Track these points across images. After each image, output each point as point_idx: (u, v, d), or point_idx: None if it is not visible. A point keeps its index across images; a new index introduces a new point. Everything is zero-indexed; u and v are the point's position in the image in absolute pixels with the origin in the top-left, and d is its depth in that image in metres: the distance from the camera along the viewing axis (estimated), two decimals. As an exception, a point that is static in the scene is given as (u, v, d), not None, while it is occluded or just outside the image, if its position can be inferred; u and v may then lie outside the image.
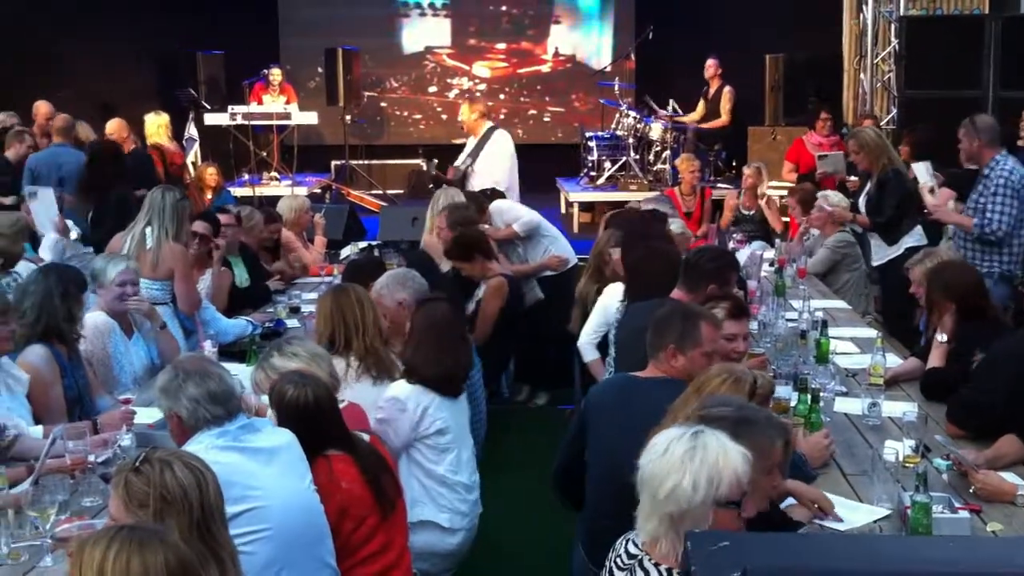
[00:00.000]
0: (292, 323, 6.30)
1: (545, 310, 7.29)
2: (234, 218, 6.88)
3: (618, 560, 2.77)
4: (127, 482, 2.48)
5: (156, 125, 10.50)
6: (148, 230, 5.68)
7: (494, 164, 8.98)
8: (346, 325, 4.52)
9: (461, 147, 14.48)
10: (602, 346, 5.72)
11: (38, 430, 4.24)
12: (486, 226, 7.27)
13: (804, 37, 12.93)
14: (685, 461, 2.55)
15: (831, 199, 7.73)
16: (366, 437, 3.75)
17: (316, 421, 3.50)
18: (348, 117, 13.62)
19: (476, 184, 8.73)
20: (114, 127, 9.63)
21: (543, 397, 7.47)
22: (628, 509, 2.71)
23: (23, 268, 6.13)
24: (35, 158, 8.62)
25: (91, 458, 3.80)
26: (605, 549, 3.55)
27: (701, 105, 12.50)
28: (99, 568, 2.03)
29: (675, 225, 6.66)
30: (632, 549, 2.74)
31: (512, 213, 7.53)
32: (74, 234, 7.35)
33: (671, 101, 12.63)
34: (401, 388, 4.29)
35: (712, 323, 3.89)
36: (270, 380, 3.78)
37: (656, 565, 2.61)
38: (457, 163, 9.25)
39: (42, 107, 9.76)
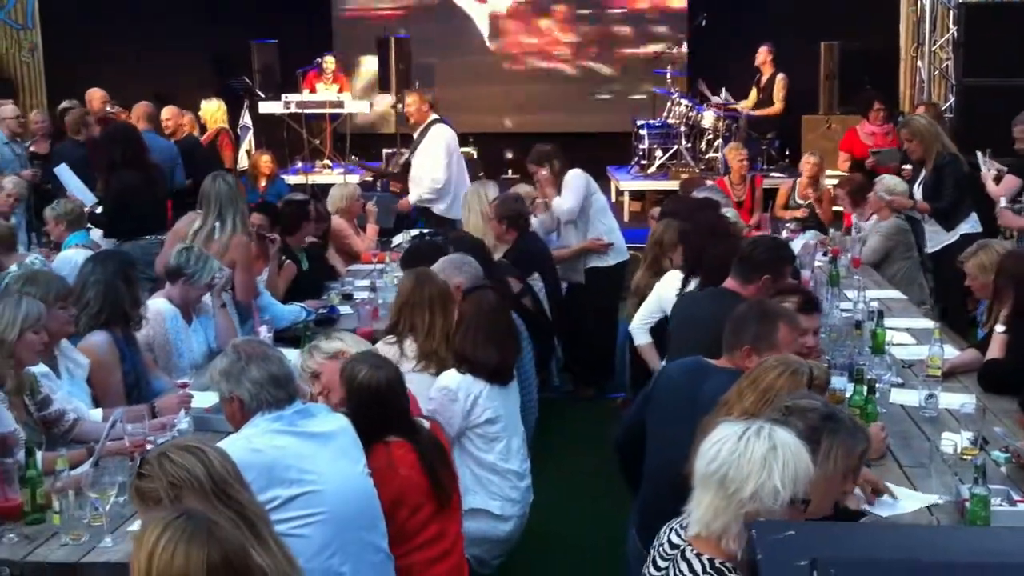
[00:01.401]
0: (345, 310, 6.35)
1: (590, 300, 7.28)
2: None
3: (661, 550, 2.76)
4: (138, 490, 2.58)
5: (218, 110, 10.61)
6: (219, 224, 5.78)
7: (429, 160, 8.60)
8: (412, 320, 4.54)
9: (510, 136, 14.63)
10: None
11: (97, 413, 4.33)
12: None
13: (859, 24, 12.76)
14: (769, 461, 2.50)
15: (888, 184, 7.64)
16: (427, 424, 3.77)
17: (384, 406, 3.53)
18: (399, 105, 13.65)
19: (412, 178, 8.60)
20: (168, 114, 9.75)
21: (589, 388, 7.46)
22: (686, 496, 2.70)
23: (78, 255, 6.23)
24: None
25: (150, 441, 3.86)
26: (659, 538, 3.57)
27: (753, 93, 12.39)
28: (149, 553, 2.11)
29: (728, 214, 6.61)
30: (675, 539, 2.72)
31: (564, 192, 7.30)
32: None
33: (723, 89, 12.52)
34: (451, 378, 4.30)
35: (790, 324, 3.82)
36: (317, 360, 3.83)
37: (698, 555, 2.60)
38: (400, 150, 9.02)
39: (96, 94, 9.89)
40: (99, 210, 7.43)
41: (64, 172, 7.85)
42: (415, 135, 8.87)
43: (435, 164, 8.53)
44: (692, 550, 2.62)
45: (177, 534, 2.10)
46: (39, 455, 3.59)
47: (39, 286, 4.28)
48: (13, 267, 5.91)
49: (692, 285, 5.41)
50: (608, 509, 5.12)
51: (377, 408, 3.54)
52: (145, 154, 7.44)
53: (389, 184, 12.98)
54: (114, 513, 3.43)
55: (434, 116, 8.92)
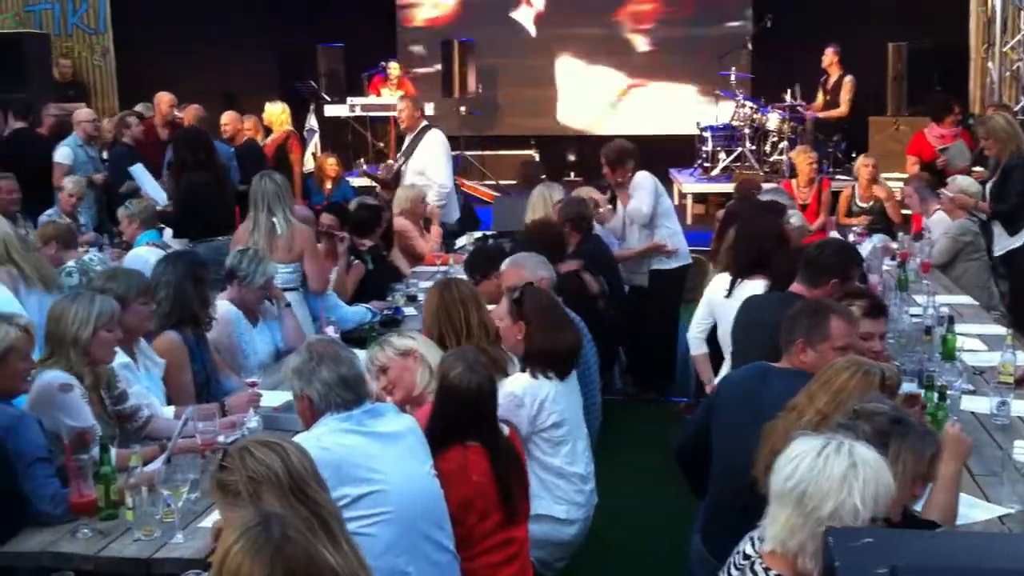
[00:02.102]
0: (409, 311, 6.40)
1: (653, 303, 7.25)
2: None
3: (736, 558, 2.73)
4: (219, 482, 2.61)
5: (282, 113, 10.74)
6: (275, 219, 5.84)
7: (432, 166, 8.58)
8: (453, 325, 4.53)
9: (572, 138, 14.63)
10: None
11: (169, 411, 4.40)
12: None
13: (928, 25, 12.56)
14: (849, 479, 2.45)
15: (962, 184, 7.53)
16: (506, 429, 3.78)
17: (469, 409, 3.55)
18: (463, 108, 13.72)
19: (408, 183, 8.46)
20: (228, 119, 9.89)
21: (652, 391, 7.43)
22: (752, 503, 2.68)
23: (150, 253, 6.35)
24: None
25: (220, 439, 3.92)
26: (724, 542, 3.54)
27: (820, 94, 12.24)
28: (223, 555, 2.16)
29: (794, 218, 6.55)
30: (749, 550, 2.70)
31: (635, 193, 7.26)
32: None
33: (789, 90, 12.39)
34: (516, 383, 4.29)
35: (843, 318, 3.78)
36: (387, 355, 3.86)
37: (767, 570, 2.57)
38: (390, 160, 8.92)
39: (164, 98, 10.06)
40: (169, 207, 7.55)
41: (139, 172, 8.00)
42: (407, 140, 8.83)
43: (438, 170, 8.57)
44: (761, 563, 2.58)
45: (247, 545, 2.13)
46: (113, 451, 3.66)
47: (120, 282, 4.38)
48: (71, 263, 6.03)
49: (744, 288, 5.36)
50: (671, 513, 5.11)
51: (462, 410, 3.56)
52: (215, 157, 7.56)
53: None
54: (186, 510, 3.48)
55: (425, 122, 8.95)
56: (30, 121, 10.14)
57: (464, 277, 5.42)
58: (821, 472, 2.46)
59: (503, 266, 5.27)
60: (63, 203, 8.05)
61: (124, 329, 4.17)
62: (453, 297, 4.53)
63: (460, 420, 3.56)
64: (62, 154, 9.15)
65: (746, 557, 2.67)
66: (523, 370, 4.34)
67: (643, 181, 7.23)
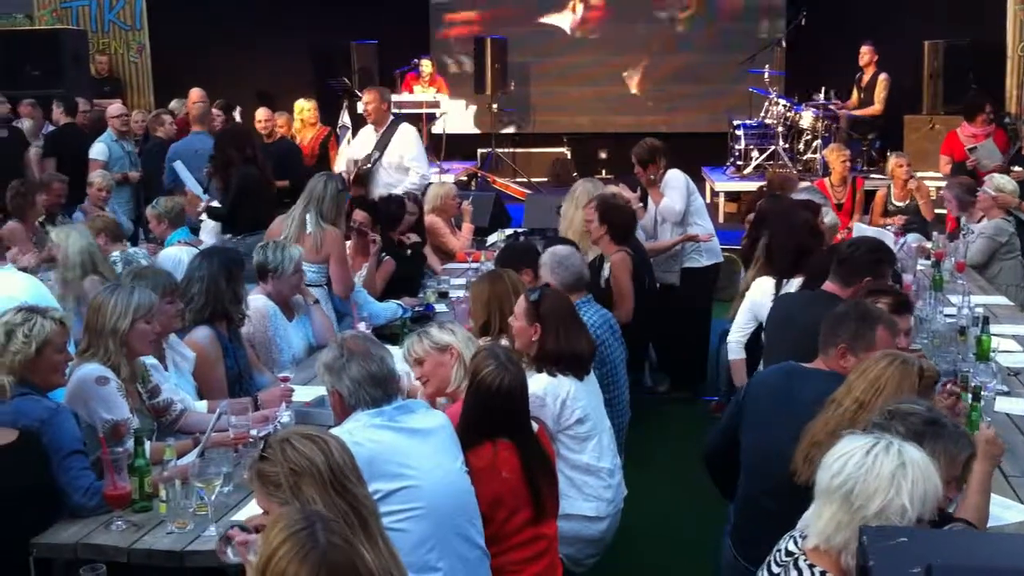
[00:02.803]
0: (440, 307, 6.41)
1: (684, 301, 7.22)
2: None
3: (777, 556, 2.72)
4: (260, 472, 2.62)
5: (305, 109, 10.79)
6: (308, 216, 5.87)
7: (411, 157, 8.26)
8: (502, 312, 4.57)
9: (604, 136, 14.59)
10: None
11: (202, 405, 4.44)
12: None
13: (965, 23, 12.43)
14: (897, 478, 2.44)
15: (998, 183, 7.45)
16: (535, 426, 3.78)
17: (502, 407, 3.55)
18: (495, 106, 13.74)
19: (384, 178, 8.23)
20: (262, 115, 9.94)
21: (682, 390, 7.41)
22: (785, 503, 2.66)
23: (182, 252, 6.40)
24: (175, 146, 9.00)
25: (253, 433, 3.95)
26: (754, 542, 3.54)
27: (855, 92, 12.15)
28: (268, 556, 2.16)
29: (828, 216, 6.50)
30: (791, 547, 2.69)
31: (670, 192, 7.22)
32: (214, 203, 7.64)
33: (823, 88, 12.30)
34: (537, 383, 4.29)
35: (888, 327, 3.75)
36: (424, 348, 3.87)
37: (811, 566, 2.56)
38: (356, 156, 8.33)
39: (195, 94, 10.14)
40: (214, 203, 7.58)
41: (180, 168, 8.07)
42: (378, 135, 8.34)
43: (420, 161, 8.31)
44: (805, 560, 2.57)
45: (294, 549, 2.14)
46: (147, 445, 3.69)
47: (147, 280, 4.41)
48: (116, 254, 6.09)
49: (789, 288, 5.34)
50: (701, 510, 5.10)
51: (494, 407, 3.56)
52: (259, 152, 7.65)
53: (483, 183, 13.14)
54: (219, 503, 3.51)
55: (393, 115, 8.62)
56: (74, 115, 10.29)
57: None
58: (870, 471, 2.45)
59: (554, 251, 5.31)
60: (92, 197, 8.14)
61: None
62: (505, 286, 4.61)
63: (491, 417, 3.57)
64: (97, 150, 9.26)
65: (788, 554, 2.66)
66: (539, 371, 4.34)
67: (675, 179, 7.21)
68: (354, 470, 2.61)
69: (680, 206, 7.12)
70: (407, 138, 8.28)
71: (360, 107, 9.79)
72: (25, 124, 10.13)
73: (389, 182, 8.08)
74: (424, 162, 8.37)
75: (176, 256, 6.22)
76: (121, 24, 13.61)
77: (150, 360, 4.26)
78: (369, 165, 8.06)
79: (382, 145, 8.23)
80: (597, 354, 4.66)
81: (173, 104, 10.55)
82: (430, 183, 8.56)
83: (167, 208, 7.10)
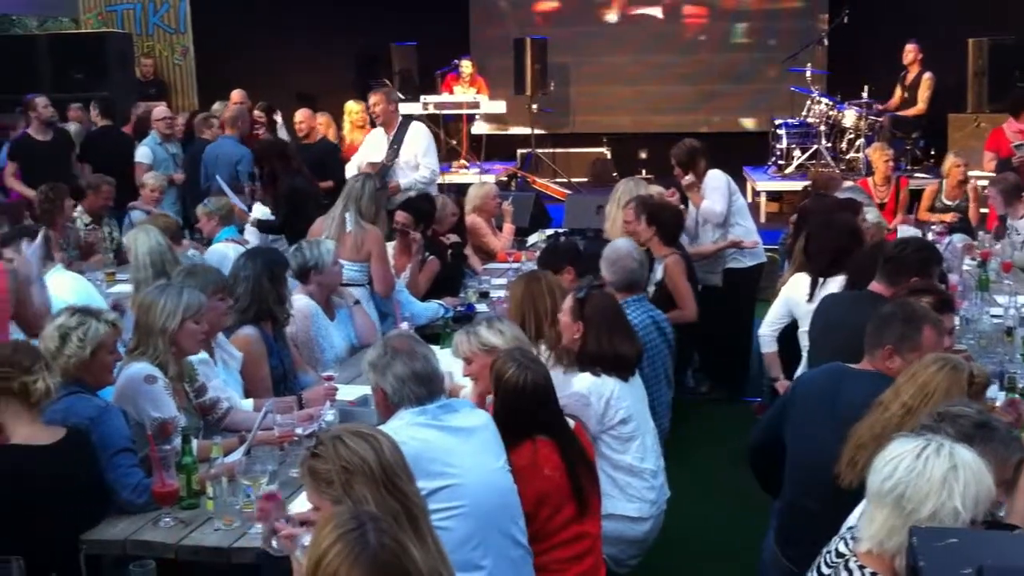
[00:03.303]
0: (481, 307, 6.42)
1: (726, 302, 7.19)
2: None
3: (828, 557, 2.71)
4: (311, 469, 2.63)
5: (353, 112, 10.85)
6: (348, 215, 5.92)
7: (423, 154, 8.13)
8: (536, 313, 4.58)
9: (644, 136, 14.55)
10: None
11: (248, 404, 4.49)
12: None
13: (1010, 20, 12.27)
14: (949, 481, 2.41)
15: None
16: (571, 423, 3.79)
17: (530, 404, 3.57)
18: (535, 106, 13.75)
19: (399, 178, 8.08)
20: (301, 116, 10.01)
21: (724, 390, 7.39)
22: (829, 503, 2.65)
23: (229, 249, 6.47)
24: (208, 149, 9.12)
25: (298, 431, 3.98)
26: (798, 542, 3.53)
27: (898, 91, 12.03)
28: (319, 558, 2.17)
29: (871, 215, 6.45)
30: (842, 548, 2.67)
31: (708, 193, 7.21)
32: (259, 212, 7.69)
33: (866, 87, 12.19)
34: (582, 382, 4.31)
35: (935, 328, 3.71)
36: (471, 347, 3.89)
37: (861, 567, 2.54)
38: (371, 159, 8.14)
39: (235, 96, 10.23)
40: (260, 215, 7.63)
41: (222, 184, 8.14)
42: (389, 136, 8.17)
43: (432, 159, 8.21)
44: (856, 561, 2.55)
45: (346, 551, 2.14)
46: (195, 442, 3.73)
47: (198, 278, 4.47)
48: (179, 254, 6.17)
49: (826, 287, 5.31)
50: (744, 511, 5.08)
51: (521, 407, 3.58)
52: (296, 163, 7.70)
53: (523, 183, 13.15)
54: (265, 500, 3.55)
55: (402, 116, 8.51)
56: (113, 117, 10.40)
57: None
58: (921, 474, 2.42)
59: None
60: (146, 199, 8.23)
61: None
62: (540, 287, 4.62)
63: (524, 415, 3.58)
64: (142, 153, 9.37)
65: (839, 555, 2.64)
66: (583, 370, 4.35)
67: (716, 180, 7.18)
68: (404, 468, 2.63)
69: (721, 207, 7.09)
70: (419, 137, 8.20)
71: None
72: (72, 127, 10.26)
73: (407, 181, 8.04)
74: (435, 159, 8.32)
75: (223, 252, 6.29)
76: (165, 27, 13.77)
77: (201, 355, 4.32)
78: (389, 165, 8.02)
79: (396, 146, 8.15)
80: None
81: (216, 106, 10.64)
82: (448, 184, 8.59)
83: (218, 206, 7.17)
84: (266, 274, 4.87)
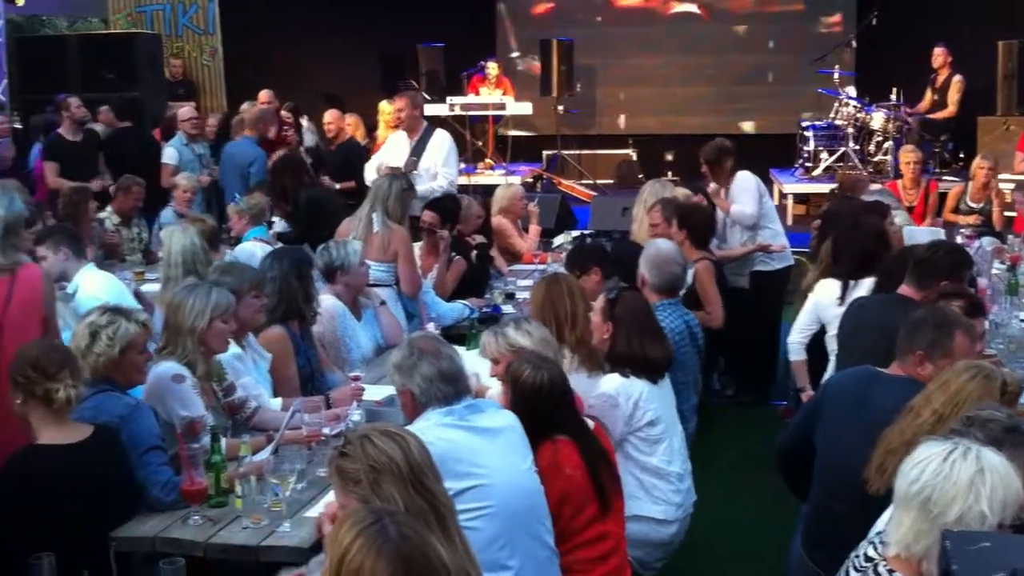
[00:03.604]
0: (508, 309, 6.43)
1: (753, 305, 7.16)
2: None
3: (856, 562, 2.69)
4: (339, 468, 2.64)
5: (385, 112, 10.88)
6: (375, 215, 5.94)
7: (446, 162, 7.92)
8: (557, 317, 4.57)
9: (670, 137, 14.52)
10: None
11: (277, 403, 4.51)
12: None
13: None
14: (976, 484, 2.39)
15: None
16: (591, 423, 3.80)
17: (548, 405, 3.57)
18: (561, 107, 13.75)
19: (418, 185, 7.61)
20: (330, 117, 10.04)
21: (750, 394, 7.36)
22: (857, 508, 2.64)
23: (257, 248, 6.50)
24: (225, 149, 9.19)
25: (325, 431, 4.00)
26: (826, 546, 3.52)
27: (928, 94, 11.95)
28: (341, 555, 2.15)
29: (899, 218, 6.42)
30: (871, 552, 2.66)
31: (738, 196, 7.20)
32: (279, 226, 7.72)
33: (894, 89, 12.13)
34: (610, 383, 4.31)
35: (967, 334, 3.68)
36: (498, 348, 3.90)
37: (890, 571, 2.53)
38: (391, 163, 7.87)
39: (263, 95, 10.27)
40: (280, 228, 7.67)
41: None
42: (412, 142, 7.94)
43: (452, 169, 7.99)
44: (885, 566, 2.54)
45: (367, 543, 2.13)
46: (223, 441, 3.76)
47: (234, 275, 4.51)
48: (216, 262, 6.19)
49: (856, 290, 5.28)
50: (770, 514, 5.07)
51: (541, 406, 3.59)
52: (309, 176, 7.84)
53: (549, 184, 13.16)
54: (292, 499, 3.56)
55: (426, 122, 8.28)
56: (135, 119, 10.44)
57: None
58: (947, 477, 2.41)
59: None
60: (178, 200, 8.26)
61: (236, 321, 4.30)
62: (560, 290, 4.58)
63: (541, 417, 3.57)
64: (167, 155, 9.38)
65: (868, 559, 2.63)
66: (611, 370, 4.34)
67: (746, 182, 7.15)
68: (431, 467, 2.64)
69: (752, 209, 7.07)
70: (442, 145, 8.00)
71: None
72: (98, 127, 10.32)
73: (424, 189, 7.74)
74: (455, 170, 8.14)
75: (251, 251, 6.33)
76: (194, 28, 13.86)
77: (235, 350, 4.35)
78: (414, 171, 7.81)
79: (418, 152, 7.92)
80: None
81: (244, 107, 10.70)
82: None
83: (249, 205, 7.21)
84: (293, 273, 4.90)
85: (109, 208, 8.12)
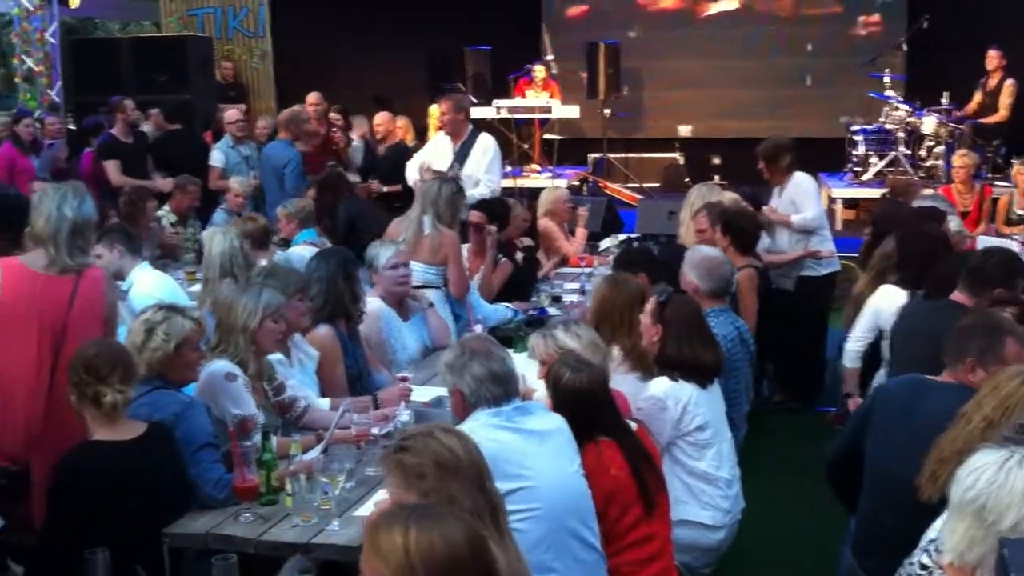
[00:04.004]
0: (554, 311, 6.44)
1: (799, 309, 7.11)
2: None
3: (911, 569, 2.67)
4: (400, 463, 2.62)
5: (431, 114, 10.94)
6: (425, 218, 5.97)
7: (489, 169, 7.80)
8: (612, 323, 4.58)
9: (718, 141, 14.44)
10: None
11: (325, 403, 4.55)
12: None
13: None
14: None
15: None
16: (633, 426, 3.80)
17: (589, 406, 3.58)
18: (607, 110, 13.74)
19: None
20: (380, 120, 10.09)
21: (798, 400, 7.30)
22: (907, 515, 2.61)
23: (306, 251, 6.55)
24: (264, 151, 9.28)
25: (374, 431, 4.04)
26: (876, 555, 3.49)
27: (978, 97, 11.80)
28: (404, 550, 2.06)
29: (952, 223, 6.34)
30: (926, 560, 2.63)
31: (801, 201, 7.15)
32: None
33: (946, 93, 11.98)
34: (660, 386, 4.29)
35: (1018, 339, 3.63)
36: (547, 350, 3.91)
37: None
38: (434, 167, 7.79)
39: (311, 99, 10.34)
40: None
41: None
42: (456, 146, 7.82)
43: (494, 176, 7.86)
44: (941, 573, 2.52)
45: (424, 523, 2.08)
46: (274, 439, 3.80)
47: (278, 279, 4.56)
48: (262, 262, 6.24)
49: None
50: (818, 522, 5.02)
51: (583, 407, 3.59)
52: (349, 188, 8.00)
53: (595, 187, 13.14)
54: (341, 498, 3.58)
55: (471, 125, 8.13)
56: (184, 121, 10.58)
57: None
58: (1002, 486, 2.39)
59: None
60: (230, 203, 8.36)
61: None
62: (619, 294, 4.61)
63: (583, 419, 3.58)
64: (214, 157, 9.47)
65: (923, 567, 2.61)
66: (660, 374, 4.34)
67: (806, 184, 7.11)
68: (486, 466, 2.66)
69: (813, 212, 7.04)
70: (486, 151, 7.87)
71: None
72: (148, 130, 10.45)
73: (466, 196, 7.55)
74: (497, 177, 8.00)
75: (302, 255, 6.38)
76: (245, 31, 14.00)
77: (275, 356, 4.39)
78: (455, 175, 7.62)
79: (461, 157, 7.79)
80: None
81: (295, 109, 10.78)
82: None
83: (298, 208, 7.27)
84: (340, 273, 4.94)
85: (166, 207, 8.23)
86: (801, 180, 7.12)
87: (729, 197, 7.38)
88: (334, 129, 10.30)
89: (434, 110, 10.79)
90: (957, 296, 4.53)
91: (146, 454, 3.59)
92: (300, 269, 5.19)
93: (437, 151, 7.96)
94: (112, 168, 9.36)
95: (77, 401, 3.60)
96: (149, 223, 7.56)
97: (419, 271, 5.92)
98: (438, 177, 6.44)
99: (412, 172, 7.89)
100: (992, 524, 2.38)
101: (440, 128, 8.44)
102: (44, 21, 12.69)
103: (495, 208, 7.06)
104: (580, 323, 4.12)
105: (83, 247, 4.14)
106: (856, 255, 7.74)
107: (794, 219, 7.07)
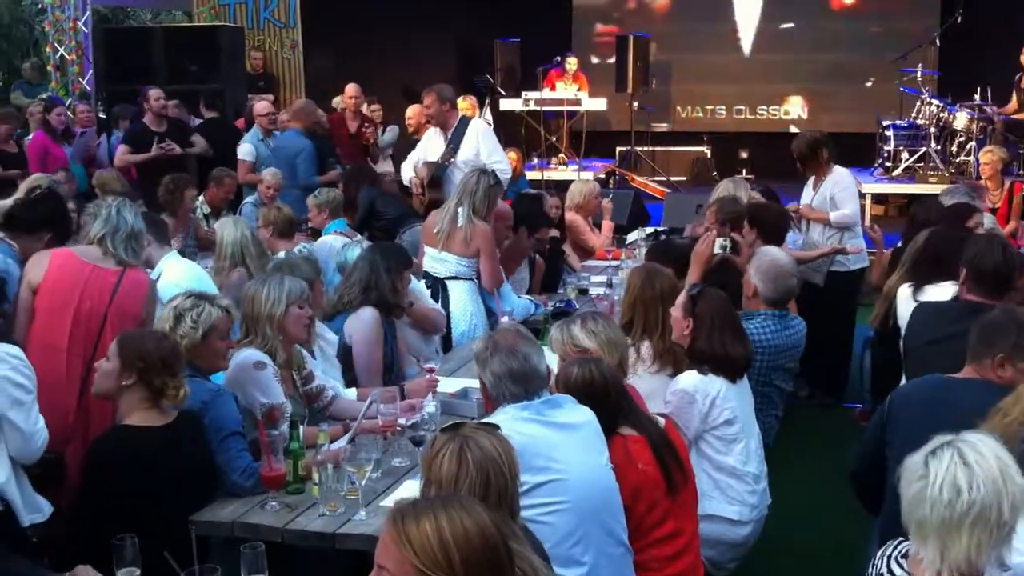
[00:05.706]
0: (580, 305, 6.43)
1: (826, 304, 7.06)
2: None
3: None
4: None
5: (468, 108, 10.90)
6: (460, 209, 5.97)
7: (487, 154, 7.58)
8: (645, 319, 4.57)
9: (745, 135, 14.37)
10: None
11: (351, 393, 4.57)
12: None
13: None
14: (1004, 462, 2.39)
15: None
16: (661, 421, 3.79)
17: (604, 398, 3.57)
18: (636, 104, 13.69)
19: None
20: (412, 112, 10.08)
21: (825, 396, 7.26)
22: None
23: (336, 241, 6.57)
24: (276, 141, 9.30)
25: (401, 422, 4.04)
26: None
27: (1015, 95, 11.66)
28: (438, 538, 2.07)
29: (985, 220, 6.27)
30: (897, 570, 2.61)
31: (840, 197, 7.08)
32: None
33: (979, 89, 11.85)
34: (688, 380, 4.27)
35: None
36: (563, 344, 3.90)
37: None
38: (428, 159, 7.75)
39: (349, 91, 10.35)
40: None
41: None
42: (446, 135, 7.71)
43: (496, 156, 7.67)
44: None
45: (452, 510, 2.12)
46: (302, 429, 3.82)
47: (291, 272, 4.58)
48: (281, 253, 6.26)
49: (927, 295, 5.17)
50: (845, 518, 4.98)
51: (598, 400, 3.57)
52: (372, 178, 8.01)
53: (621, 180, 13.11)
54: (368, 488, 3.60)
55: (461, 114, 8.06)
56: (220, 110, 10.62)
57: None
58: (987, 480, 2.38)
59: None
60: (262, 194, 8.38)
61: None
62: (653, 291, 4.60)
63: (601, 412, 3.55)
64: (244, 151, 9.48)
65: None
66: (690, 367, 4.32)
67: (846, 180, 7.07)
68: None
69: (852, 209, 6.99)
70: (481, 136, 7.76)
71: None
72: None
73: None
74: (503, 156, 7.87)
75: (330, 244, 6.41)
76: (275, 22, 14.02)
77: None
78: (446, 164, 7.64)
79: (453, 144, 7.69)
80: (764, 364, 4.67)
81: (336, 101, 10.84)
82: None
83: (328, 198, 7.29)
84: (383, 265, 4.98)
85: (201, 198, 8.25)
86: (841, 176, 7.07)
87: (746, 195, 7.33)
88: (366, 124, 10.28)
89: (411, 111, 10.50)
90: (979, 293, 4.47)
91: (177, 441, 3.61)
92: (323, 259, 5.21)
93: (430, 145, 7.87)
94: (120, 151, 9.40)
95: (131, 384, 3.58)
96: (188, 212, 7.56)
97: (451, 263, 5.93)
98: (478, 169, 6.37)
99: (407, 171, 7.89)
100: (996, 519, 2.36)
101: (427, 123, 8.33)
102: (76, 10, 12.77)
103: (530, 207, 7.03)
104: (600, 319, 4.07)
105: (135, 250, 4.45)
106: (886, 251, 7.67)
107: (832, 216, 7.01)
